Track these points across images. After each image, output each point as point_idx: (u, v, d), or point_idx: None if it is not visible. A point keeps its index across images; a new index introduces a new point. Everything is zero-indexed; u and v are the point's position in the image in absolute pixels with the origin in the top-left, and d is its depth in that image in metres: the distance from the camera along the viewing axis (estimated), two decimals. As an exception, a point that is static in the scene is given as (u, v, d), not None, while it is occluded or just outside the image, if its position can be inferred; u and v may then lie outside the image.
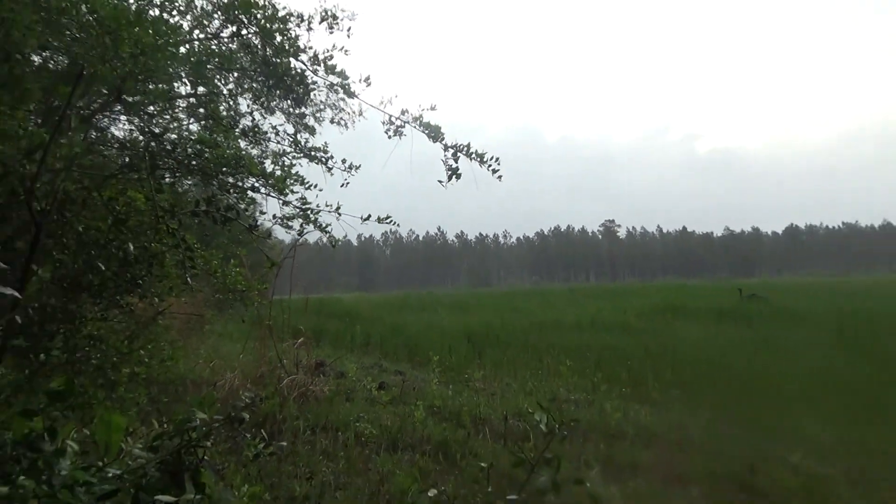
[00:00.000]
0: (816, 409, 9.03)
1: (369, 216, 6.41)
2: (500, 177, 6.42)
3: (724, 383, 10.84)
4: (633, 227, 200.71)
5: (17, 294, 2.89)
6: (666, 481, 6.05)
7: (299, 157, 7.29)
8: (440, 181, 6.52)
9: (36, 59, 5.12)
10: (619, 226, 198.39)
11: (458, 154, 6.41)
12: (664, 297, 31.70)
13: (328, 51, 6.86)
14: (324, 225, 6.67)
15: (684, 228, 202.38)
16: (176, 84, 6.29)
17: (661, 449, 7.23)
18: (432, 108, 6.42)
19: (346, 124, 7.71)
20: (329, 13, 6.87)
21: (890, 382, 10.22)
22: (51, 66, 5.40)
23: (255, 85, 6.91)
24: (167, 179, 5.56)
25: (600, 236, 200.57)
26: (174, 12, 6.06)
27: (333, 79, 6.97)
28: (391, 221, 6.42)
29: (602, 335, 18.00)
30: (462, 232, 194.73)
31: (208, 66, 5.82)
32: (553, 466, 2.44)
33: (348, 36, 6.93)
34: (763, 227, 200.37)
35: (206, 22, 6.42)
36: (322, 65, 6.79)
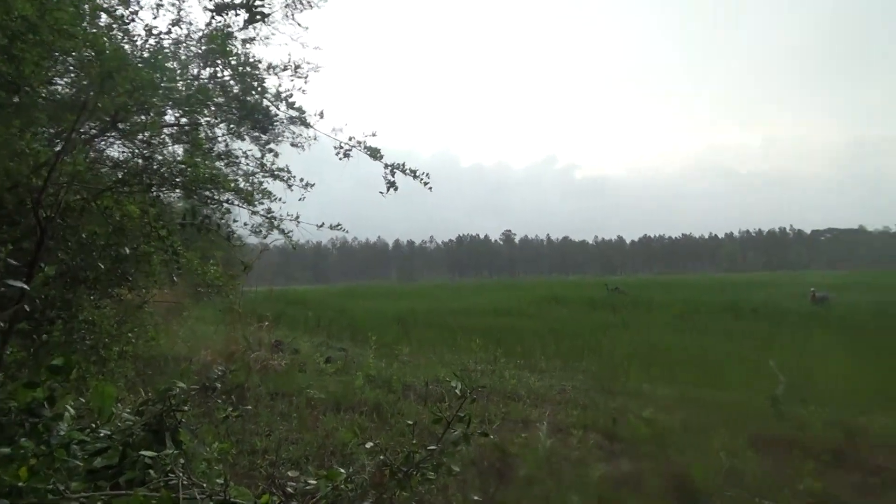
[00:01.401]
0: (663, 374, 9.35)
1: (323, 224, 6.34)
2: (430, 188, 6.43)
3: (594, 355, 11.13)
4: (527, 236, 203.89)
5: (24, 286, 2.76)
6: (550, 431, 6.17)
7: (267, 176, 7.17)
8: (381, 192, 6.50)
9: (43, 90, 4.86)
10: (515, 234, 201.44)
11: (395, 171, 6.41)
12: (550, 290, 32.31)
13: (289, 91, 6.74)
14: (286, 231, 6.59)
15: (567, 237, 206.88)
16: (165, 114, 6.09)
17: (546, 407, 7.36)
18: (373, 135, 6.40)
19: (303, 146, 7.60)
20: (293, 64, 6.75)
21: (714, 352, 10.67)
22: (56, 97, 5.14)
23: (229, 116, 6.74)
24: (154, 193, 5.37)
25: (501, 242, 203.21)
26: (161, 57, 5.86)
27: (293, 112, 6.85)
28: (341, 228, 6.36)
29: (502, 319, 18.23)
30: (398, 239, 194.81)
31: (191, 102, 5.63)
32: (465, 422, 2.46)
33: (305, 81, 6.84)
34: (625, 236, 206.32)
35: (189, 65, 6.22)
36: (284, 102, 6.67)
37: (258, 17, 5.83)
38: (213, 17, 5.67)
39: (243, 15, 5.88)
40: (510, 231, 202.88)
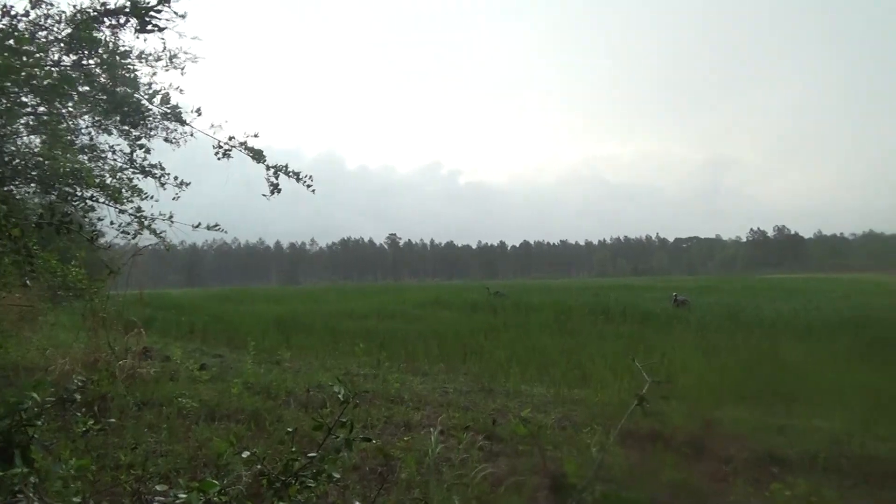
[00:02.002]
0: (540, 374, 9.72)
1: (199, 224, 6.05)
2: (313, 190, 6.32)
3: (476, 357, 11.36)
4: (411, 240, 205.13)
5: None
6: (431, 433, 6.23)
7: (137, 173, 6.73)
8: (264, 195, 6.30)
9: None
10: (400, 238, 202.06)
11: (279, 173, 6.23)
12: (433, 293, 32.64)
13: (163, 85, 6.38)
14: (158, 231, 6.23)
15: (450, 241, 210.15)
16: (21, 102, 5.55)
17: (429, 409, 7.43)
18: (255, 136, 6.18)
19: (178, 143, 7.20)
20: (168, 53, 6.38)
21: (587, 353, 11.22)
22: None
23: (95, 108, 6.26)
24: (6, 187, 4.89)
25: (386, 246, 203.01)
26: (18, 39, 5.34)
27: (166, 108, 6.48)
28: (219, 228, 6.10)
29: (386, 322, 18.20)
30: (278, 241, 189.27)
31: (51, 89, 5.18)
32: (347, 428, 2.43)
33: (182, 73, 6.49)
34: (507, 241, 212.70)
35: (51, 50, 5.71)
36: (158, 96, 6.29)
37: (151, 28, 5.46)
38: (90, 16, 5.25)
39: (133, 23, 5.50)
40: (395, 235, 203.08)
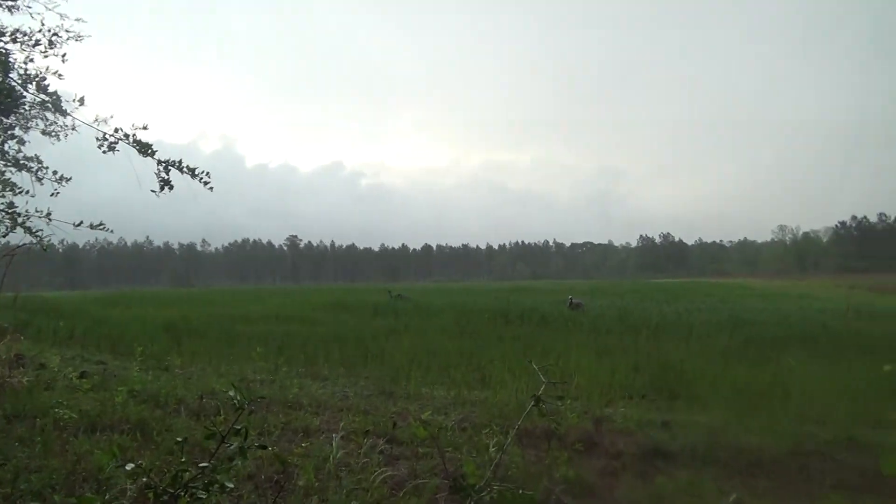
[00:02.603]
0: (441, 377, 9.80)
1: (81, 222, 5.64)
2: (210, 188, 6.01)
3: (377, 361, 11.30)
4: (312, 242, 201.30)
5: None
6: (332, 439, 6.13)
7: (9, 166, 6.19)
8: (153, 191, 5.93)
9: None
10: (301, 240, 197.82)
11: (170, 168, 5.88)
12: (335, 296, 32.24)
13: (41, 70, 5.90)
14: (34, 229, 5.75)
15: (352, 244, 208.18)
16: None
17: (328, 414, 7.31)
18: (144, 128, 5.82)
19: (58, 135, 6.68)
20: (47, 32, 5.90)
21: (487, 355, 11.43)
22: None
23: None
24: None
25: (286, 248, 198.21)
26: None
27: (45, 96, 6.00)
28: (104, 227, 5.71)
29: (284, 325, 17.76)
30: (167, 241, 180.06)
31: None
32: (241, 435, 2.34)
33: (63, 61, 6.02)
34: (408, 244, 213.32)
35: None
36: (33, 82, 5.81)
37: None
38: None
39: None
40: (295, 236, 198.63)
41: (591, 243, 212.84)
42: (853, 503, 4.13)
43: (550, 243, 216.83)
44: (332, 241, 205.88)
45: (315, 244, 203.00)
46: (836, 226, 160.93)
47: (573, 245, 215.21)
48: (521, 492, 2.85)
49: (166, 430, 6.18)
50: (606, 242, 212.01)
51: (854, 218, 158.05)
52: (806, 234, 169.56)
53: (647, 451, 5.70)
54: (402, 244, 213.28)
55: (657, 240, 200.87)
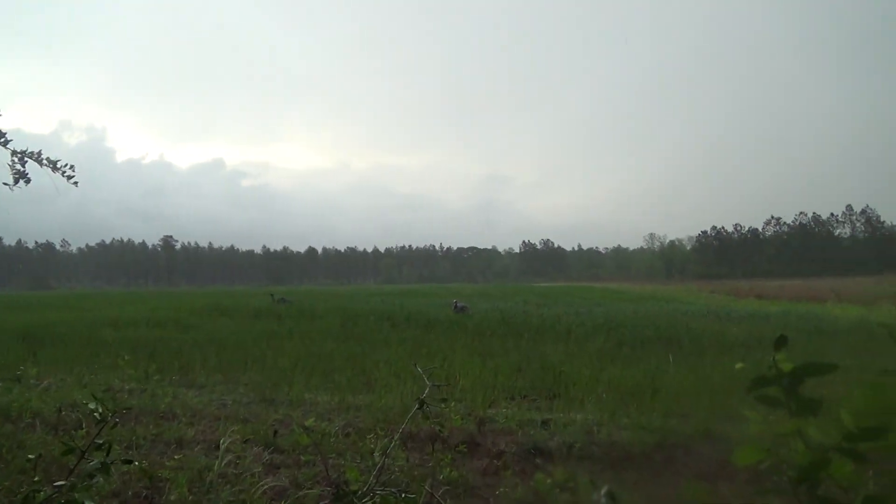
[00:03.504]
0: (325, 382, 9.62)
1: (-88, 218, 5.03)
2: (75, 183, 5.53)
3: (258, 366, 10.91)
4: (188, 243, 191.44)
5: None
6: (208, 449, 5.86)
7: None
8: (6, 184, 5.38)
9: None
10: (176, 241, 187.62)
11: (27, 159, 5.36)
12: (213, 299, 30.86)
13: None
14: None
15: (232, 246, 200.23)
16: None
17: (204, 424, 6.97)
18: (-2, 114, 5.26)
19: None
20: None
21: (372, 359, 11.37)
22: None
23: None
24: None
25: (160, 249, 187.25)
26: None
27: None
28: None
29: (157, 331, 16.79)
30: (20, 239, 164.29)
31: None
32: (104, 450, 2.18)
33: None
34: (292, 247, 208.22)
35: None
36: None
37: None
38: None
39: None
40: (170, 237, 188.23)
41: (477, 248, 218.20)
42: (709, 490, 4.49)
43: (437, 248, 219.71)
44: (210, 243, 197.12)
45: (191, 245, 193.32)
46: (699, 235, 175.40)
47: (459, 249, 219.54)
48: (403, 496, 2.86)
49: (18, 446, 5.63)
50: (491, 247, 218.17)
51: (714, 228, 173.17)
52: (672, 243, 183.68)
53: (527, 450, 5.88)
54: (286, 246, 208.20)
55: (538, 246, 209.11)
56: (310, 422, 6.44)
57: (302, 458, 5.62)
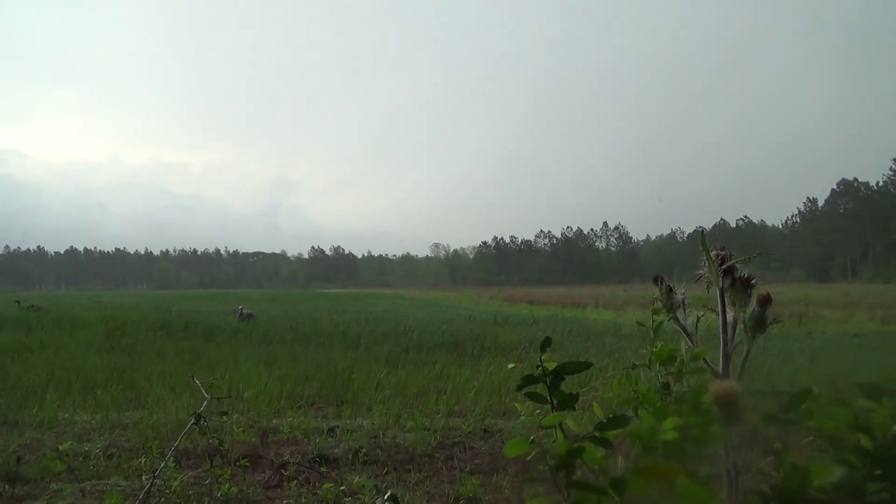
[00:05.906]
0: (85, 400, 8.62)
1: None
2: None
3: (0, 384, 9.44)
4: None
5: None
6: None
7: None
8: None
9: None
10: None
11: None
12: (-61, 307, 26.09)
13: None
14: None
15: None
16: None
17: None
18: None
19: None
20: None
21: (144, 371, 10.45)
22: None
23: None
24: None
25: None
26: None
27: None
28: None
29: None
30: None
31: None
32: None
33: None
34: (47, 247, 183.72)
35: None
36: None
37: None
38: None
39: None
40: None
41: (263, 253, 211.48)
42: (485, 483, 4.81)
43: (221, 251, 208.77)
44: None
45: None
46: (480, 245, 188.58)
47: (245, 254, 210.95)
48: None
49: None
50: (279, 252, 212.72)
51: (494, 238, 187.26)
52: (456, 251, 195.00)
53: (312, 459, 5.81)
54: (39, 246, 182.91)
55: (328, 252, 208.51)
56: (65, 445, 5.72)
57: (53, 486, 4.98)
